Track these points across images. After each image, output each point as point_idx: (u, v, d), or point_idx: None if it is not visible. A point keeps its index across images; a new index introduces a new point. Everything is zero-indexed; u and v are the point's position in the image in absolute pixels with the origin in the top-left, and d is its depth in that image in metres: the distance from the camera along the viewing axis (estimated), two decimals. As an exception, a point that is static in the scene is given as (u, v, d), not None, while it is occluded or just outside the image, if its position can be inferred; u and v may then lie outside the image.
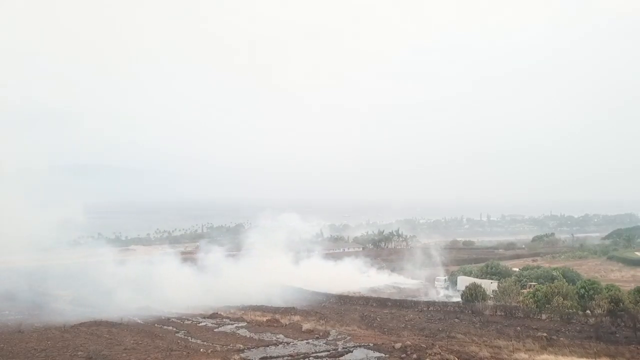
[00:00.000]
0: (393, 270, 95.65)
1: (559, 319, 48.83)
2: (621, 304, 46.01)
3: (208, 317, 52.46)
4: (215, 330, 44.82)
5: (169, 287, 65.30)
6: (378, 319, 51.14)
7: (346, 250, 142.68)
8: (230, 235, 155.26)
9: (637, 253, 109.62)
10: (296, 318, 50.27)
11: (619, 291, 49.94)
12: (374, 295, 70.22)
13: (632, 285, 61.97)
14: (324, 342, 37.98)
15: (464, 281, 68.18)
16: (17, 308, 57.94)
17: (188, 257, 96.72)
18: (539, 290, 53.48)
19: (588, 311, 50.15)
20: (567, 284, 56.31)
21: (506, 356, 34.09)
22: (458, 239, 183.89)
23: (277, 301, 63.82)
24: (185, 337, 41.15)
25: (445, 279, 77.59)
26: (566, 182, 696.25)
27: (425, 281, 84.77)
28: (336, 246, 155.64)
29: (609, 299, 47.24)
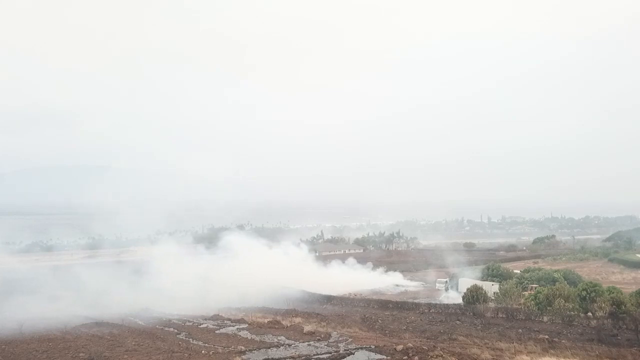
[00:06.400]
0: (394, 272, 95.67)
1: (560, 321, 48.74)
2: (623, 306, 45.97)
3: (209, 319, 52.38)
4: (216, 332, 44.72)
5: None
6: (379, 321, 51.07)
7: (347, 251, 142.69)
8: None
9: (638, 255, 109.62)
10: (297, 320, 50.19)
11: (621, 293, 49.89)
12: (375, 297, 70.24)
13: (634, 288, 62.00)
14: (326, 344, 37.92)
15: (465, 283, 68.14)
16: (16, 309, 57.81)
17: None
18: (540, 293, 53.45)
19: (590, 313, 50.11)
20: (568, 286, 56.28)
21: (508, 358, 33.99)
22: (459, 240, 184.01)
23: (278, 303, 63.81)
24: (187, 338, 41.07)
25: (446, 281, 77.56)
26: (567, 184, 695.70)
27: (426, 283, 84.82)
28: (337, 247, 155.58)
29: (611, 301, 47.22)
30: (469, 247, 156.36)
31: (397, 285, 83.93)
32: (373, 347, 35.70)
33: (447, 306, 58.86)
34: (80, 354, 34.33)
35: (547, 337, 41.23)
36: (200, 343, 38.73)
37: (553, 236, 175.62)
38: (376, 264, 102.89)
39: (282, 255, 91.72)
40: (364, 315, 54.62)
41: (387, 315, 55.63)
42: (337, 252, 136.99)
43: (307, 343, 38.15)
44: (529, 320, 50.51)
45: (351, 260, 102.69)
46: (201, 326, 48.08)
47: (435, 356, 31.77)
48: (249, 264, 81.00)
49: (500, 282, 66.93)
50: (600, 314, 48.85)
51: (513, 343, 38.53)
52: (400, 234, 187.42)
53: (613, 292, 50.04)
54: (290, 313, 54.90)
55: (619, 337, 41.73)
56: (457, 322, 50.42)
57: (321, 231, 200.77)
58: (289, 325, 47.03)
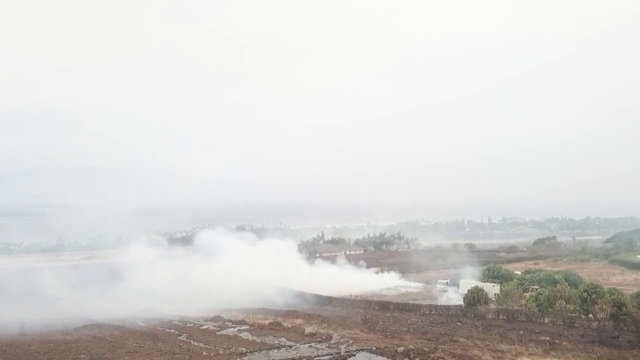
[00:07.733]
0: (394, 273, 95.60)
1: (561, 322, 48.68)
2: (624, 308, 45.85)
3: (210, 320, 52.44)
4: (217, 333, 44.76)
5: None
6: (380, 323, 51.07)
7: (347, 252, 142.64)
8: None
9: (638, 256, 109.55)
10: (298, 321, 50.22)
11: (622, 295, 49.74)
12: (376, 298, 70.19)
13: (634, 289, 61.85)
14: (327, 345, 37.91)
15: (466, 284, 68.03)
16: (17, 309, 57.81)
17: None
18: (541, 294, 53.37)
19: (591, 315, 50.03)
20: (569, 287, 56.17)
21: (509, 360, 34.00)
22: (459, 241, 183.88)
23: (279, 304, 63.80)
24: (188, 340, 41.10)
25: (447, 282, 77.45)
26: (567, 184, 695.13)
27: (427, 284, 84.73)
28: (337, 248, 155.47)
29: (612, 303, 47.10)
30: (469, 248, 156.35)
31: (398, 287, 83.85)
32: (374, 348, 35.70)
33: (448, 307, 58.76)
34: (82, 356, 34.33)
35: (548, 338, 41.19)
36: (202, 344, 38.73)
37: (554, 237, 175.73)
38: (377, 265, 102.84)
39: (279, 256, 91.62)
40: (365, 317, 54.59)
41: (388, 316, 55.61)
42: (338, 253, 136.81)
43: (308, 344, 38.16)
44: (530, 321, 50.44)
45: (352, 261, 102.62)
46: (202, 327, 48.09)
47: (436, 358, 31.76)
48: (246, 264, 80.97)
49: (501, 283, 66.83)
50: (601, 315, 48.74)
51: (514, 345, 38.53)
52: (401, 235, 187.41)
53: (614, 294, 49.93)
54: (291, 314, 54.89)
55: (620, 339, 41.68)
56: (458, 323, 50.41)
57: (322, 232, 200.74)
58: (290, 326, 47.05)
